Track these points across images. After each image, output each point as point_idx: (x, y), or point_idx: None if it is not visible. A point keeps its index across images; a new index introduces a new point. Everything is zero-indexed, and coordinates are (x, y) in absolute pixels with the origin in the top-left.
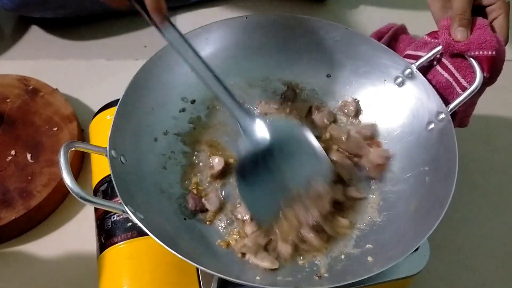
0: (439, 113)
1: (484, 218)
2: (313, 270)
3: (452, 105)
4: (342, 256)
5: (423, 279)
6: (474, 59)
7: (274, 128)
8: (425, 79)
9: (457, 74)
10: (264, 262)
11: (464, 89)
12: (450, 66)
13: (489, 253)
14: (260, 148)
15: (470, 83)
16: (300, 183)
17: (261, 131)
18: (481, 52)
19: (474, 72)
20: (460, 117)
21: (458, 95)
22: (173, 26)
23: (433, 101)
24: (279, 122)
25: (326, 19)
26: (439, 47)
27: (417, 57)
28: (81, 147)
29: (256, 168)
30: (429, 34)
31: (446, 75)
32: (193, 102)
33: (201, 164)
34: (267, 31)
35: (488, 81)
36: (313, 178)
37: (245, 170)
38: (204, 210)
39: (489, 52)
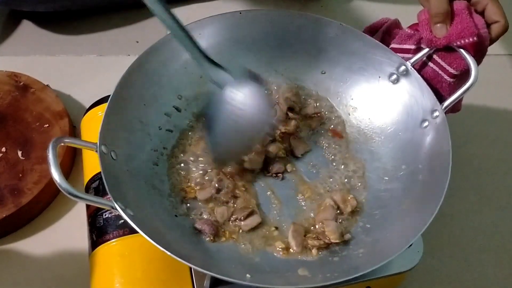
0: (433, 110)
1: (477, 213)
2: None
3: (446, 103)
4: (334, 254)
5: (417, 275)
6: (458, 48)
7: (240, 83)
8: (419, 76)
9: (442, 63)
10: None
11: (451, 76)
12: (435, 56)
13: (483, 247)
14: (226, 99)
15: (457, 69)
16: (256, 133)
17: (228, 84)
18: (462, 41)
19: (468, 67)
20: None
21: (447, 82)
22: None
23: (427, 99)
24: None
25: (320, 14)
26: (427, 49)
27: (402, 51)
28: (71, 142)
29: (221, 117)
30: (410, 27)
31: (431, 64)
32: (186, 98)
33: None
34: (261, 27)
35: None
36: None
37: (212, 118)
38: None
39: (470, 39)
